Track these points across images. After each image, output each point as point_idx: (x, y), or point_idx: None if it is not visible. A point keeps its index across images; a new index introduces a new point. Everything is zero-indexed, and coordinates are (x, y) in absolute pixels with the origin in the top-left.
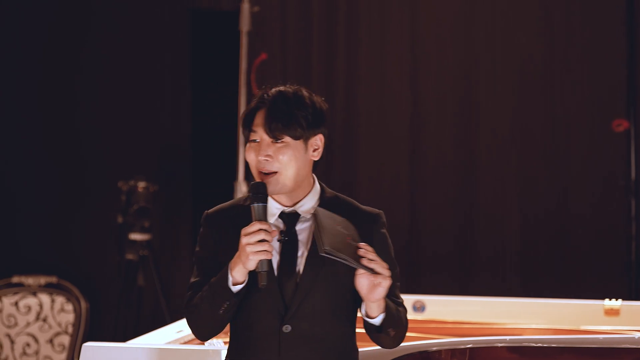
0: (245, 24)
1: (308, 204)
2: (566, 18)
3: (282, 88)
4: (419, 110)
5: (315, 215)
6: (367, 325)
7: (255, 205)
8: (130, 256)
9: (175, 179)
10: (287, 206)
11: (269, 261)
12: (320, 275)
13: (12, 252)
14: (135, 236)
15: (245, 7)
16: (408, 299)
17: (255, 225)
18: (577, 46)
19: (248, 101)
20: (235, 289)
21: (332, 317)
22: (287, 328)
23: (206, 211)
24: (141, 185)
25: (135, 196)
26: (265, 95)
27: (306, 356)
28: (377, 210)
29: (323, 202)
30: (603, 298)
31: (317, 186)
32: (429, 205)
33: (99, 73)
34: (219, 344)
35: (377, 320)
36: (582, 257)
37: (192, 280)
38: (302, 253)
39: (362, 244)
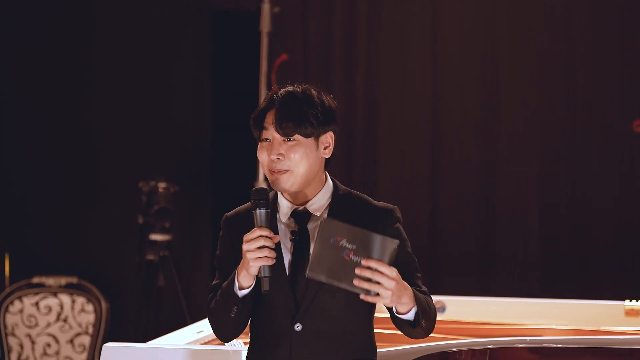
0: (265, 25)
1: (319, 202)
2: (588, 16)
3: (291, 88)
4: (439, 111)
5: (318, 229)
6: (399, 321)
7: (257, 211)
8: (150, 257)
9: (195, 180)
10: (298, 205)
11: (270, 267)
12: None
13: (32, 253)
14: (156, 237)
15: (266, 8)
16: None
17: (255, 232)
18: (599, 44)
19: None
20: (241, 293)
21: (344, 315)
22: (298, 327)
23: (226, 214)
24: (162, 185)
25: (156, 197)
26: (274, 95)
27: (318, 354)
28: (390, 206)
29: (335, 199)
30: (624, 298)
31: (330, 183)
32: (450, 204)
33: (119, 73)
34: (239, 345)
35: (410, 315)
36: (603, 256)
37: (213, 282)
38: None
39: (364, 260)
